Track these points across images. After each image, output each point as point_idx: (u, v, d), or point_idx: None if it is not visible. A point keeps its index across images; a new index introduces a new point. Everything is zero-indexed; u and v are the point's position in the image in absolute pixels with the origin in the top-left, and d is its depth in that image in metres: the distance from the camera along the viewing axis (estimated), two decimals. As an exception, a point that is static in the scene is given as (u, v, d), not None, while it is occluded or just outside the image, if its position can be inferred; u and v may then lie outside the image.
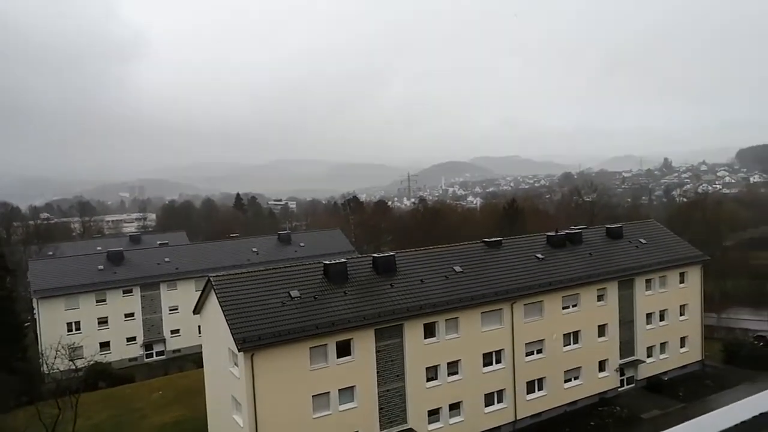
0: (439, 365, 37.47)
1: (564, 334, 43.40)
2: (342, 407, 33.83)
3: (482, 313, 39.24)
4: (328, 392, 33.40)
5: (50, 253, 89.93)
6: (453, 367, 38.10)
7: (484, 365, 39.47)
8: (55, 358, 42.21)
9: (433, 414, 37.46)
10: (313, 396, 32.89)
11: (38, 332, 64.07)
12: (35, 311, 66.53)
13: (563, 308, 43.44)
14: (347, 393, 34.14)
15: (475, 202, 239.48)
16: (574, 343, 44.09)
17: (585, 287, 44.42)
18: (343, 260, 38.28)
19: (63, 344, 47.16)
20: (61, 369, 42.68)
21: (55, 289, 64.84)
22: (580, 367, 44.35)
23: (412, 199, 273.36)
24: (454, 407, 38.26)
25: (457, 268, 40.83)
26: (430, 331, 37.32)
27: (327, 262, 37.70)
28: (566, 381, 43.73)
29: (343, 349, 34.06)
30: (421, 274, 39.25)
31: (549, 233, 48.76)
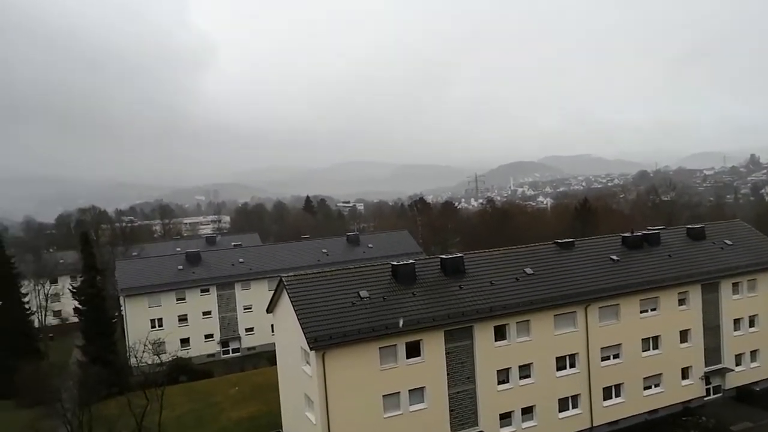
0: (510, 368, 36.94)
1: (642, 339, 41.72)
2: (412, 408, 33.99)
3: (555, 315, 38.37)
4: (399, 392, 33.65)
5: (134, 253, 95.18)
6: (525, 371, 37.46)
7: (558, 369, 38.54)
8: (143, 352, 44.71)
9: (505, 417, 36.95)
10: (383, 396, 33.24)
11: (125, 328, 67.99)
12: (122, 308, 70.65)
13: (641, 312, 41.74)
14: (417, 393, 34.26)
15: (545, 203, 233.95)
16: (653, 349, 42.26)
17: (665, 290, 42.48)
18: (411, 261, 38.48)
19: (149, 340, 49.82)
20: (148, 363, 45.11)
21: (139, 288, 68.66)
22: (660, 374, 42.43)
23: (480, 200, 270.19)
24: (527, 411, 37.59)
25: (528, 270, 40.11)
26: (500, 333, 36.87)
27: (395, 263, 37.99)
28: (646, 388, 41.97)
29: (413, 350, 34.23)
30: (490, 276, 38.84)
31: (624, 234, 47.00)
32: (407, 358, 33.98)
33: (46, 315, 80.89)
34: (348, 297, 34.93)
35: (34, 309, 75.32)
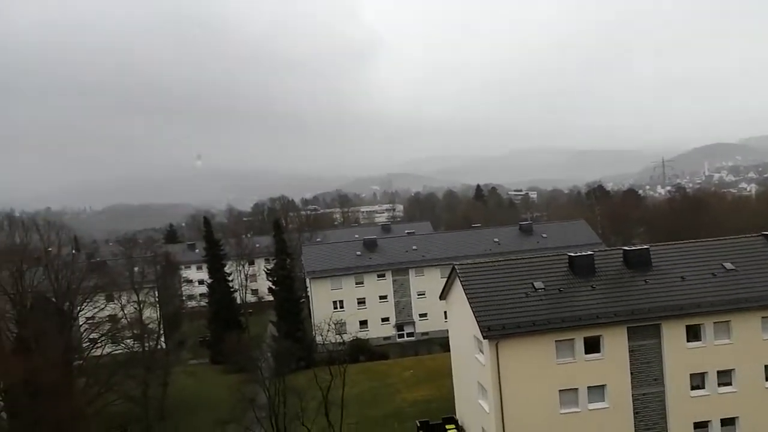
0: (706, 373, 33.47)
1: None
2: (591, 406, 32.52)
3: (763, 318, 33.91)
4: (576, 389, 32.40)
5: (318, 239, 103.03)
6: (724, 377, 33.71)
7: None
8: (327, 331, 48.50)
9: (701, 427, 33.61)
10: (560, 390, 32.26)
11: (311, 308, 74.09)
12: (308, 289, 77.02)
13: None
14: (597, 391, 32.67)
15: (749, 189, 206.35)
16: None
17: None
18: (590, 252, 36.64)
19: (332, 319, 53.80)
20: (331, 341, 48.83)
21: (323, 271, 74.22)
22: None
23: (668, 187, 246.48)
24: (728, 423, 33.75)
25: (728, 265, 35.88)
26: (693, 333, 33.58)
27: (572, 254, 36.46)
28: None
29: (592, 346, 32.66)
30: (681, 271, 35.47)
31: None
32: (586, 353, 32.54)
33: (246, 293, 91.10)
34: (522, 287, 34.37)
35: (236, 287, 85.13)
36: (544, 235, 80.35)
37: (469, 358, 36.23)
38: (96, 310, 53.71)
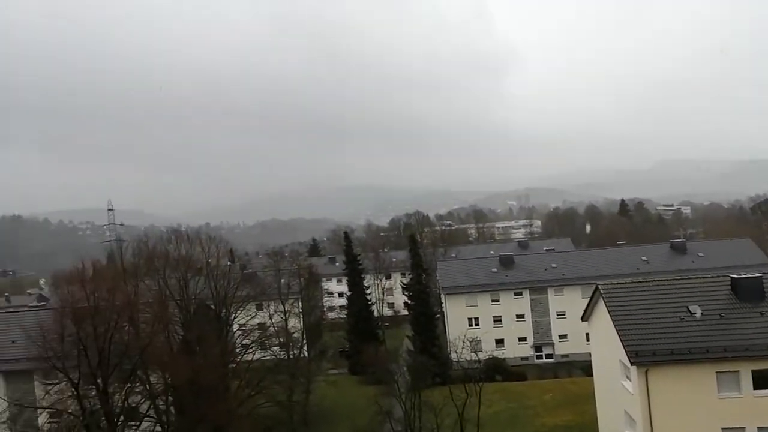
0: None
1: None
2: (762, 449, 29.00)
3: None
4: (743, 428, 29.07)
5: (453, 255, 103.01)
6: None
7: None
8: (462, 348, 48.22)
9: None
10: (722, 429, 29.15)
11: (446, 324, 74.08)
12: (443, 305, 77.14)
13: None
14: (769, 432, 29.09)
15: None
16: None
17: None
18: (758, 275, 32.88)
19: (467, 337, 53.40)
20: (466, 358, 48.41)
21: (458, 287, 73.97)
22: None
23: None
24: None
25: None
26: None
27: (735, 275, 33.00)
28: None
29: (763, 380, 29.16)
30: None
31: None
32: (755, 389, 29.12)
33: (382, 306, 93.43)
34: (675, 311, 31.71)
35: (374, 300, 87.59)
36: (701, 254, 73.50)
37: (615, 384, 34.03)
38: (248, 318, 58.17)
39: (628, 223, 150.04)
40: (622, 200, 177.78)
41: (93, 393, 35.79)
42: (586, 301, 38.14)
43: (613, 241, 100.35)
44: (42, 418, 39.25)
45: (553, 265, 75.16)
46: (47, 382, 39.24)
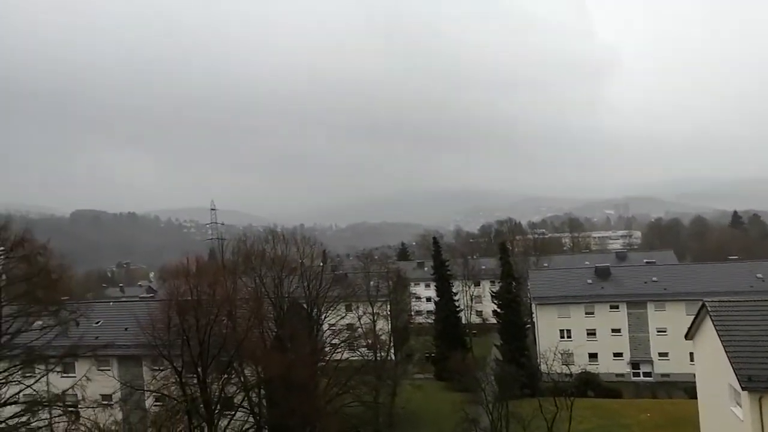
0: None
1: None
2: None
3: None
4: None
5: (545, 264, 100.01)
6: None
7: None
8: (553, 360, 46.68)
9: None
10: None
11: (536, 334, 72.01)
12: (533, 315, 75.05)
13: None
14: None
15: None
16: None
17: None
18: None
19: (558, 349, 51.63)
20: (557, 371, 46.83)
21: (550, 298, 71.70)
22: None
23: None
24: None
25: None
26: None
27: None
28: None
29: None
30: None
31: None
32: None
33: (470, 313, 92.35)
34: (795, 334, 28.91)
35: (462, 307, 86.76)
36: (827, 274, 66.72)
37: (723, 409, 31.53)
38: (337, 318, 59.57)
39: (742, 237, 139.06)
40: (735, 212, 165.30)
41: (194, 381, 38.01)
42: (691, 318, 35.66)
43: (723, 256, 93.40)
44: (149, 401, 42.18)
45: (654, 278, 71.06)
46: (154, 367, 42.22)
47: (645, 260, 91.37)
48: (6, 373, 40.18)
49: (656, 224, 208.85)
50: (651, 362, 68.55)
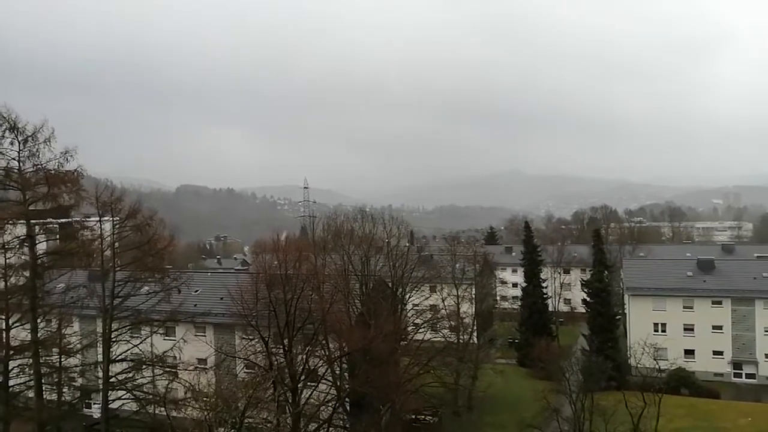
0: None
1: None
2: None
3: None
4: None
5: (641, 254, 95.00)
6: None
7: None
8: (642, 354, 44.59)
9: None
10: None
11: (627, 326, 68.95)
12: (626, 306, 71.82)
13: None
14: None
15: None
16: None
17: None
18: None
19: (650, 343, 49.17)
20: (647, 366, 44.70)
21: (644, 289, 68.24)
22: None
23: None
24: None
25: None
26: None
27: None
28: None
29: None
30: None
31: None
32: None
33: (558, 301, 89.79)
34: None
35: (549, 294, 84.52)
36: None
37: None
38: (421, 298, 59.96)
39: None
40: None
41: (280, 352, 39.78)
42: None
43: None
44: (239, 368, 44.70)
45: (765, 274, 65.74)
46: (244, 337, 44.59)
47: (756, 254, 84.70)
48: (117, 333, 44.08)
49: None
50: (756, 363, 63.75)
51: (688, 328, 66.11)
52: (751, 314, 64.20)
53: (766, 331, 63.19)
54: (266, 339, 39.53)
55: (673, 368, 53.53)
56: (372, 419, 40.60)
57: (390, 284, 55.84)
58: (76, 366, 44.55)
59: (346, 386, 42.56)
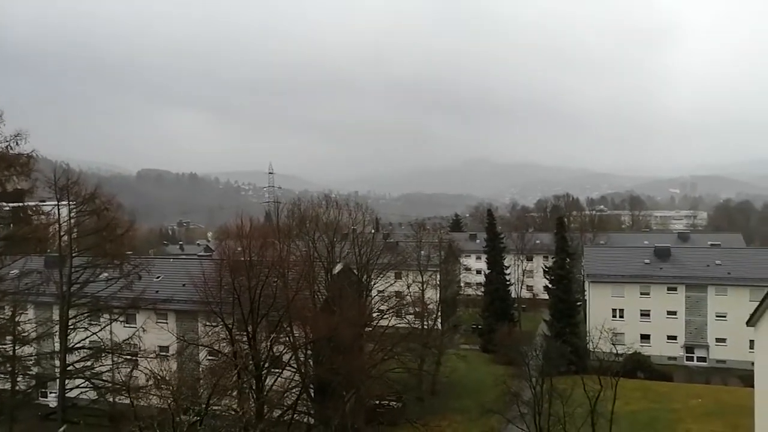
0: None
1: None
2: None
3: None
4: None
5: (601, 242, 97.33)
6: None
7: None
8: (599, 338, 45.79)
9: None
10: None
11: (587, 312, 70.72)
12: (586, 293, 73.58)
13: None
14: None
15: None
16: None
17: None
18: None
19: (607, 328, 50.50)
20: (604, 350, 45.93)
21: (604, 276, 69.95)
22: None
23: None
24: None
25: None
26: None
27: None
28: None
29: None
30: None
31: None
32: None
33: (521, 288, 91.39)
34: None
35: (512, 281, 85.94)
36: None
37: (779, 400, 30.32)
38: (386, 285, 60.24)
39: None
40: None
41: (244, 339, 39.48)
42: (755, 304, 34.09)
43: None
44: (202, 355, 44.20)
45: (718, 261, 68.15)
46: (207, 324, 44.08)
47: (709, 242, 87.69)
48: (74, 320, 43.00)
49: (724, 206, 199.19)
50: (707, 347, 66.28)
51: (645, 314, 68.21)
52: (704, 300, 66.58)
53: (717, 317, 65.64)
54: (230, 326, 39.14)
55: (629, 352, 55.13)
56: (336, 405, 40.71)
57: (355, 271, 55.92)
58: (31, 355, 43.36)
59: (311, 373, 42.55)
